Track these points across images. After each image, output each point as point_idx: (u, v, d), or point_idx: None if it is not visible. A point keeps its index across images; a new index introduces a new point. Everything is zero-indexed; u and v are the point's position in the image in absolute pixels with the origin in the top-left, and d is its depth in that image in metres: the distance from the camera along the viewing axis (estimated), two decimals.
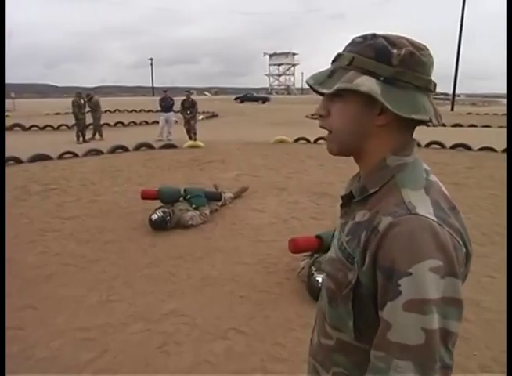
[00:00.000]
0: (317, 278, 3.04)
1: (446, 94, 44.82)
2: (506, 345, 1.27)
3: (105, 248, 4.15)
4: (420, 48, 0.74)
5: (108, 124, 16.18)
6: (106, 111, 18.11)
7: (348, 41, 0.79)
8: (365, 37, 0.75)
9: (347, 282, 0.76)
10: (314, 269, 3.15)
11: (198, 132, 12.06)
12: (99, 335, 2.67)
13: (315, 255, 3.34)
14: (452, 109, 31.48)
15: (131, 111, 26.92)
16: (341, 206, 0.86)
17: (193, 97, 12.47)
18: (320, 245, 3.32)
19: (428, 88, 0.75)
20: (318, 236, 3.35)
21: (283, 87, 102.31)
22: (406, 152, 0.77)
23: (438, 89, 0.83)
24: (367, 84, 0.71)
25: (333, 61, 0.79)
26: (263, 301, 3.11)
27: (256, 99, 43.83)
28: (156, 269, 3.67)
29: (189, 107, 12.00)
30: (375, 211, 0.73)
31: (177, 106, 12.75)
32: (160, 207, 4.71)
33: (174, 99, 13.13)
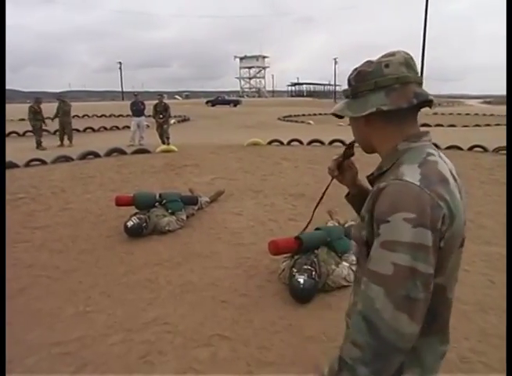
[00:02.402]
0: (298, 279, 3.04)
1: None
2: (506, 345, 1.31)
3: (79, 258, 4.02)
4: (365, 63, 0.99)
5: (77, 130, 15.71)
6: (74, 116, 17.59)
7: None
8: None
9: (360, 238, 0.97)
10: (295, 270, 3.15)
11: (171, 136, 11.92)
12: (78, 349, 2.57)
13: (296, 257, 3.34)
14: None
15: (101, 116, 26.26)
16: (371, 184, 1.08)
17: (165, 101, 12.32)
18: (300, 246, 3.33)
19: (381, 86, 0.95)
20: (297, 238, 3.35)
21: (254, 90, 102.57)
22: (414, 139, 0.98)
23: None
24: (339, 106, 1.04)
25: None
26: (245, 305, 3.09)
27: (227, 103, 43.69)
28: (134, 277, 3.59)
29: (161, 111, 11.83)
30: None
31: (148, 110, 12.55)
32: (135, 214, 4.61)
33: (145, 103, 12.93)
